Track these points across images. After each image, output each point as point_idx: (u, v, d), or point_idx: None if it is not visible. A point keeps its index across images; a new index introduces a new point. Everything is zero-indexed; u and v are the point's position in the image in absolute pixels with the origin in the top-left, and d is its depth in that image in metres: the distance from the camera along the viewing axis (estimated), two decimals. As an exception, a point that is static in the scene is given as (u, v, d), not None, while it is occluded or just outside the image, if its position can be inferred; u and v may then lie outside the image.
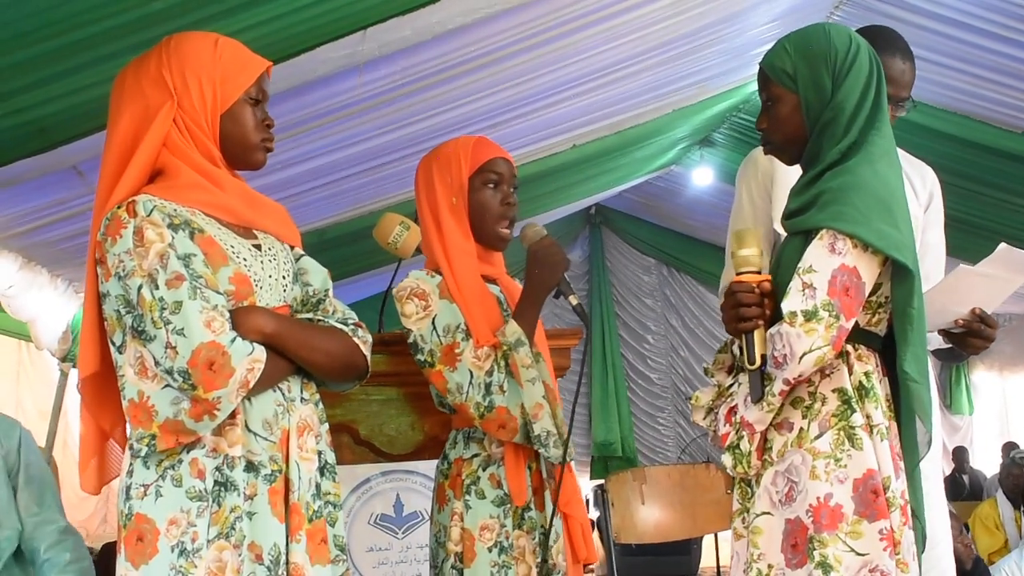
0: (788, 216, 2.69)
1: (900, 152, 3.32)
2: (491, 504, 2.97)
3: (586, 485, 11.06)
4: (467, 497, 2.98)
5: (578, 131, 7.19)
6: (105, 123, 2.52)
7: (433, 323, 2.98)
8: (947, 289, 2.87)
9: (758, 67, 2.77)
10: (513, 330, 2.95)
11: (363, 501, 3.71)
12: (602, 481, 8.55)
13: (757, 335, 2.58)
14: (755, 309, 2.59)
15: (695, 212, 10.51)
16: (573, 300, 2.93)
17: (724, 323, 2.66)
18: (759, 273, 2.63)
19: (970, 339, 2.92)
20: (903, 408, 2.63)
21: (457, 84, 5.40)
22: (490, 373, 2.93)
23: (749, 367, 2.58)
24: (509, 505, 2.98)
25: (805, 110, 2.68)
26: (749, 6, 6.21)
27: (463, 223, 3.06)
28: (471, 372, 2.93)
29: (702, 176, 10.03)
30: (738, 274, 2.64)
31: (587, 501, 9.47)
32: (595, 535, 8.49)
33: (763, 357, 2.56)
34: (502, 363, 2.94)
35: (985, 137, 6.88)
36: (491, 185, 3.06)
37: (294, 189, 5.89)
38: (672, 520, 7.74)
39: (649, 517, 7.63)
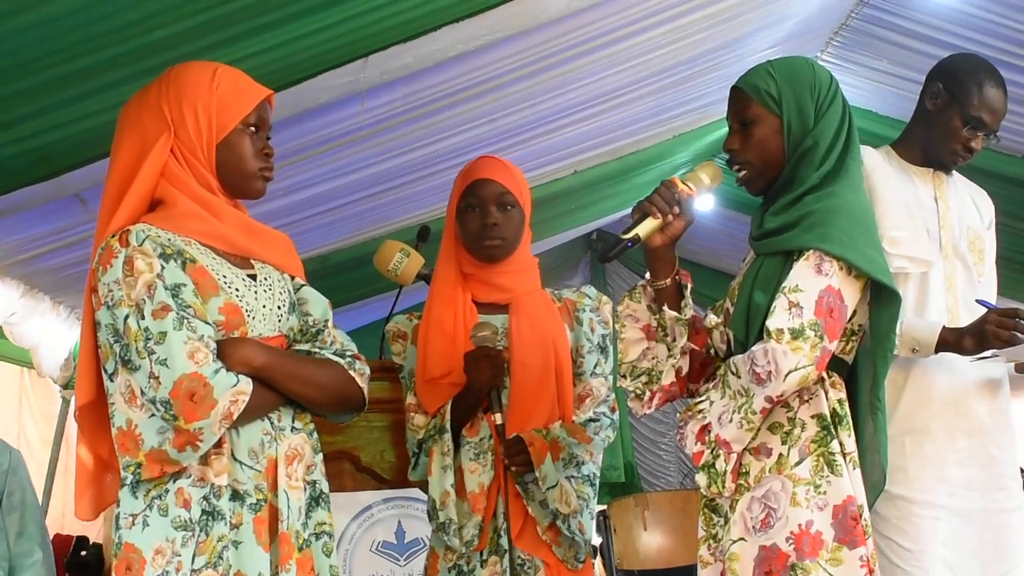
0: (763, 236, 2.70)
1: (960, 177, 3.38)
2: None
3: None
4: None
5: (579, 157, 7.20)
6: (108, 151, 2.55)
7: (404, 366, 3.20)
8: None
9: (732, 88, 2.79)
10: (442, 413, 3.03)
11: (365, 528, 3.71)
12: (604, 507, 8.52)
13: (648, 221, 2.68)
14: (661, 203, 2.68)
15: (696, 237, 10.49)
16: (498, 419, 3.00)
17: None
18: (691, 192, 2.74)
19: None
20: (866, 437, 2.65)
21: (458, 111, 5.41)
22: (418, 446, 3.10)
23: (621, 235, 2.67)
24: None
25: (787, 134, 2.70)
26: (748, 32, 6.23)
27: (452, 245, 3.15)
28: (408, 429, 3.14)
29: (703, 202, 10.01)
30: (681, 180, 2.74)
31: (589, 527, 9.44)
32: (598, 561, 8.50)
33: (636, 237, 2.67)
34: (428, 441, 3.07)
35: (987, 162, 6.86)
36: (470, 210, 3.13)
37: (296, 215, 5.89)
38: (675, 546, 7.73)
39: (651, 543, 7.62)
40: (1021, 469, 3.41)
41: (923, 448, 3.19)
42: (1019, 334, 3.03)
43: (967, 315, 3.24)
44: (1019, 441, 3.43)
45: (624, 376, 2.83)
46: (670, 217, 2.70)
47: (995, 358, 3.15)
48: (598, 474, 3.16)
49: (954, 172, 3.47)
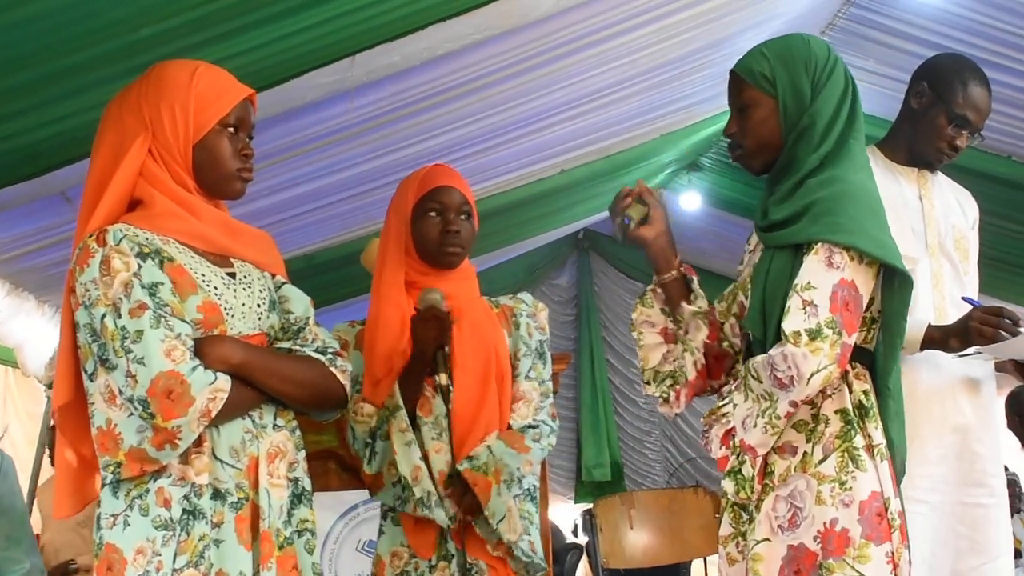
0: (771, 228, 2.65)
1: (945, 177, 3.38)
2: (403, 533, 3.06)
3: (571, 510, 11.02)
4: (383, 523, 3.11)
5: (566, 156, 7.20)
6: (93, 149, 2.53)
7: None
8: None
9: (730, 73, 2.76)
10: (392, 393, 3.01)
11: (350, 528, 3.70)
12: (590, 506, 8.53)
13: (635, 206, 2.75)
14: (624, 189, 2.76)
15: (683, 236, 10.47)
16: (442, 379, 2.98)
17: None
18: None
19: None
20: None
21: (446, 110, 5.41)
22: (372, 435, 3.03)
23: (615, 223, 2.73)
24: None
25: (782, 115, 2.65)
26: (736, 31, 6.23)
27: (399, 252, 3.14)
28: (353, 428, 3.06)
29: (690, 200, 10.01)
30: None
31: (575, 526, 9.44)
32: (584, 560, 8.52)
33: (628, 217, 2.72)
34: (383, 425, 3.02)
35: (972, 161, 6.90)
36: (431, 213, 3.12)
37: (283, 214, 5.89)
38: (661, 544, 7.74)
39: (638, 542, 7.63)
40: (1005, 467, 3.45)
41: (911, 445, 3.20)
42: (1003, 332, 3.04)
43: (955, 312, 3.25)
44: (1003, 439, 3.47)
45: (648, 383, 2.81)
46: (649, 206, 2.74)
47: (978, 355, 3.16)
48: (538, 485, 3.13)
49: (939, 172, 3.48)
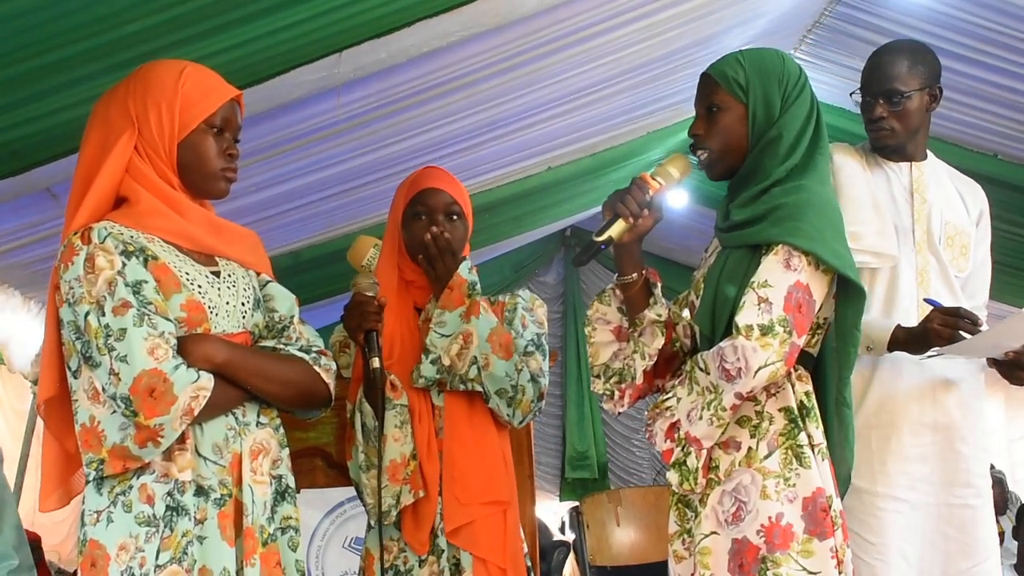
0: (731, 228, 2.71)
1: (949, 169, 3.40)
2: (394, 527, 3.06)
3: (558, 508, 11.03)
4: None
5: (553, 153, 7.20)
6: (79, 146, 2.53)
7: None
8: (1007, 328, 3.10)
9: (702, 75, 2.79)
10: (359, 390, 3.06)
11: (337, 525, 3.69)
12: (577, 503, 8.53)
13: (620, 222, 2.66)
14: (634, 206, 2.66)
15: (669, 234, 10.51)
16: (374, 363, 2.97)
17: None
18: (661, 187, 2.72)
19: (1016, 371, 3.14)
20: (833, 434, 2.67)
21: (432, 106, 5.41)
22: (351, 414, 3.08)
23: (594, 237, 2.67)
24: None
25: (751, 123, 2.71)
26: (722, 30, 6.24)
27: (394, 253, 3.19)
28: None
29: (676, 198, 10.01)
30: (652, 175, 2.71)
31: (562, 523, 9.43)
32: (571, 557, 8.50)
33: (609, 239, 2.66)
34: (352, 414, 3.08)
35: (955, 158, 6.87)
36: (417, 218, 3.14)
37: (269, 211, 5.88)
38: (648, 542, 7.72)
39: (624, 539, 7.62)
40: (992, 466, 3.45)
41: (888, 442, 3.21)
42: (961, 332, 3.06)
43: None
44: (991, 439, 3.47)
45: (597, 377, 2.84)
46: (640, 220, 2.71)
47: (939, 356, 3.16)
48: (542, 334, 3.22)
49: (943, 164, 3.48)
